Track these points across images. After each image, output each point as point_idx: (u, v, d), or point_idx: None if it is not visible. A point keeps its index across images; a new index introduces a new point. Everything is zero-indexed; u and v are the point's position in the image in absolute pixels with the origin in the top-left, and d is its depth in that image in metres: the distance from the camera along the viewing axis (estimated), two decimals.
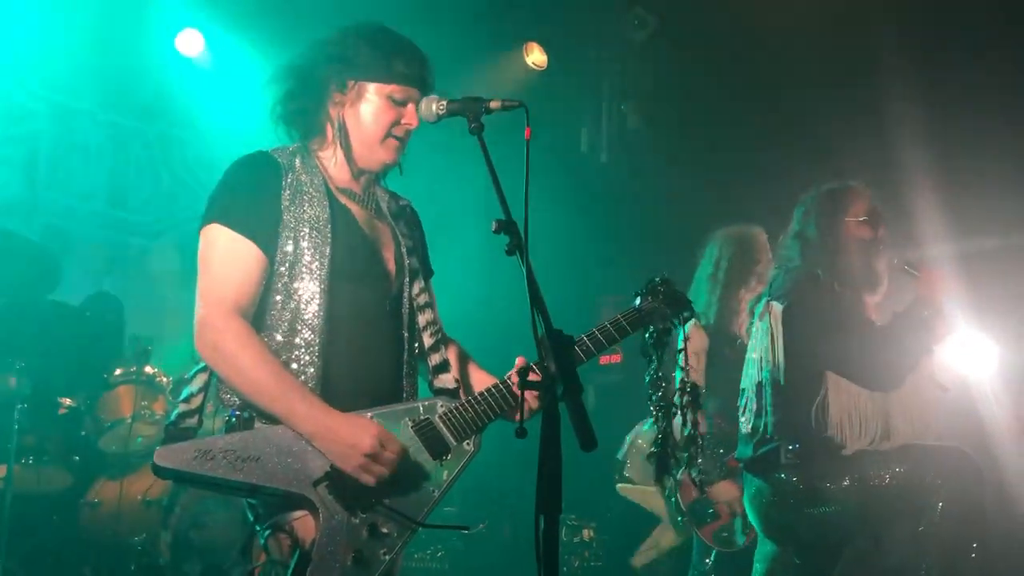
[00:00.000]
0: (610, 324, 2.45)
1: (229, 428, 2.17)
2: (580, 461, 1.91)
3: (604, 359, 7.08)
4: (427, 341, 2.46)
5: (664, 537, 4.90)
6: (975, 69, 5.43)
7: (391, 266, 2.43)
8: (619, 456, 5.20)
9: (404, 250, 2.46)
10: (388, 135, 2.38)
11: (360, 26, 2.43)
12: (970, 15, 5.51)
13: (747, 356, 3.53)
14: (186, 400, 2.25)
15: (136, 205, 6.62)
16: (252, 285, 2.23)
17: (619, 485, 5.26)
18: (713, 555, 4.06)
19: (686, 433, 2.52)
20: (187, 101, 6.26)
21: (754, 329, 3.49)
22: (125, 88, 6.19)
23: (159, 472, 2.10)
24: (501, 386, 2.37)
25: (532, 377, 1.88)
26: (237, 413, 2.19)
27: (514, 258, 1.94)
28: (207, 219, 2.27)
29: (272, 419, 2.16)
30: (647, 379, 2.52)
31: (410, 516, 2.16)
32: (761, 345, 3.40)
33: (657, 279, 2.53)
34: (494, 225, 1.92)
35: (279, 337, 2.23)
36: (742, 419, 3.49)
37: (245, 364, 2.13)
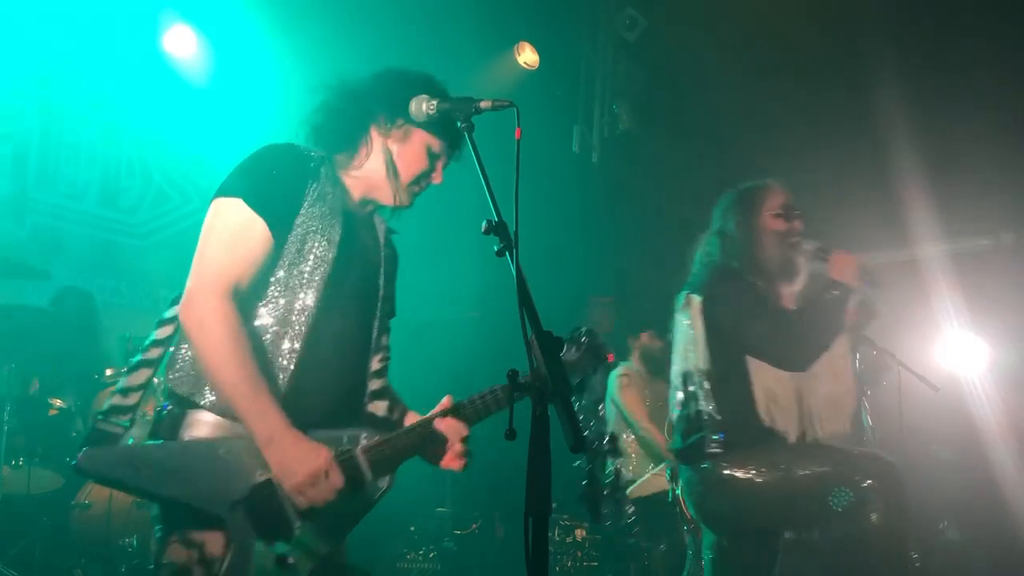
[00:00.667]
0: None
1: (158, 420, 2.15)
2: (572, 461, 1.91)
3: None
4: (374, 365, 2.47)
5: (656, 479, 5.30)
6: (968, 69, 5.46)
7: (375, 292, 2.46)
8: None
9: (384, 277, 2.50)
10: (415, 182, 2.45)
11: (425, 75, 2.45)
12: (963, 16, 5.54)
13: (673, 348, 3.61)
14: (122, 393, 2.19)
15: (127, 205, 6.60)
16: (255, 267, 2.19)
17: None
18: None
19: (606, 477, 2.60)
20: (178, 100, 6.24)
21: (675, 322, 3.58)
22: (116, 87, 6.17)
23: (80, 473, 2.05)
24: (422, 428, 2.32)
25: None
26: (169, 407, 2.16)
27: (504, 259, 1.94)
28: (226, 190, 2.22)
29: (203, 413, 2.13)
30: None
31: (315, 549, 2.16)
32: (684, 336, 3.51)
33: (582, 329, 2.58)
34: (484, 226, 1.92)
35: (263, 333, 2.21)
36: (672, 407, 3.58)
37: (226, 353, 2.08)
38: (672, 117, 6.58)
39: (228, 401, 2.11)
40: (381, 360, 2.47)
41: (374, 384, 2.45)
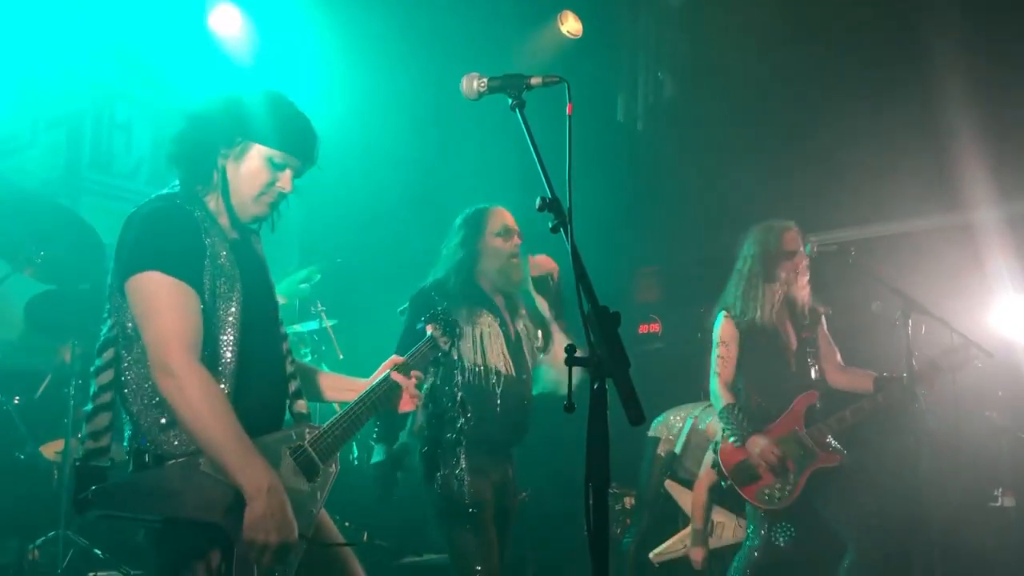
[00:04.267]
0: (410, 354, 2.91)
1: (140, 465, 2.24)
2: (623, 430, 1.93)
3: (643, 328, 7.08)
4: (288, 369, 2.59)
5: (693, 551, 5.05)
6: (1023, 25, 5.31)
7: (274, 306, 2.59)
8: (676, 451, 5.25)
9: (273, 288, 2.61)
10: (261, 194, 2.48)
11: (263, 91, 2.53)
12: None
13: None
14: (93, 438, 2.29)
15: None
16: (200, 328, 2.28)
17: (668, 482, 5.33)
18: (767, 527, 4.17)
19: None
20: (226, 79, 6.30)
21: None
22: (164, 67, 6.25)
23: (87, 509, 2.15)
24: (370, 397, 2.66)
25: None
26: (148, 447, 2.25)
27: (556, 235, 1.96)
28: (142, 265, 2.28)
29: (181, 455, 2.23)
30: (423, 390, 3.11)
31: (301, 535, 2.30)
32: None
33: (439, 309, 3.16)
34: (539, 203, 1.94)
35: None
36: None
37: (207, 413, 2.19)
38: (717, 83, 6.49)
39: (214, 456, 2.20)
40: (291, 364, 2.60)
41: (292, 386, 2.58)
